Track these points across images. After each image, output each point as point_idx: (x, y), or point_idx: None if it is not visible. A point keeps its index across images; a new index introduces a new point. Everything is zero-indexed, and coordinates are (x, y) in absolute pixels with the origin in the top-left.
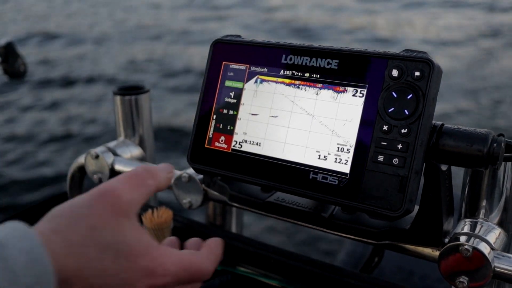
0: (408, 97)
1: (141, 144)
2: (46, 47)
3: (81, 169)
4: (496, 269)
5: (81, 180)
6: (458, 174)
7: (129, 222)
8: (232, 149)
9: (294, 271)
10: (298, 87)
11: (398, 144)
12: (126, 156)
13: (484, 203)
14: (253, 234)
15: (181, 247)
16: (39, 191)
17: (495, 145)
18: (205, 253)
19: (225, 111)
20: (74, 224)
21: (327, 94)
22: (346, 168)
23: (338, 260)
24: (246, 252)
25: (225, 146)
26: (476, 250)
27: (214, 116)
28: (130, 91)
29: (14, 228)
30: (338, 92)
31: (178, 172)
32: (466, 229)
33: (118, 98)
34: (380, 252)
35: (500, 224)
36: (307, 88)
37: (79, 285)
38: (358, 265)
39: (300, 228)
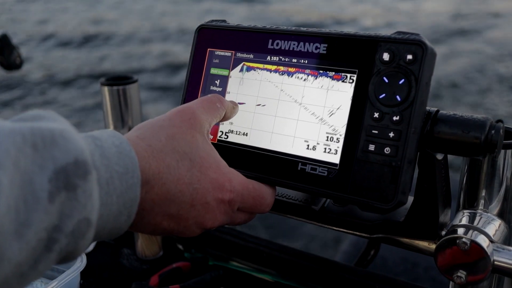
0: (400, 82)
1: None
2: None
3: None
4: (495, 262)
5: None
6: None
7: (202, 137)
8: (218, 140)
9: (287, 266)
10: (285, 74)
11: (390, 132)
12: None
13: (483, 193)
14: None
15: None
16: None
17: (493, 132)
18: (267, 187)
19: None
20: (156, 132)
21: (315, 80)
22: (335, 159)
23: (341, 250)
24: (238, 246)
25: (210, 136)
26: (474, 243)
27: None
28: (118, 81)
29: (104, 130)
30: (327, 78)
31: None
32: (464, 220)
33: (105, 88)
34: (376, 245)
35: (500, 215)
36: (294, 74)
37: (157, 189)
38: (357, 256)
39: None
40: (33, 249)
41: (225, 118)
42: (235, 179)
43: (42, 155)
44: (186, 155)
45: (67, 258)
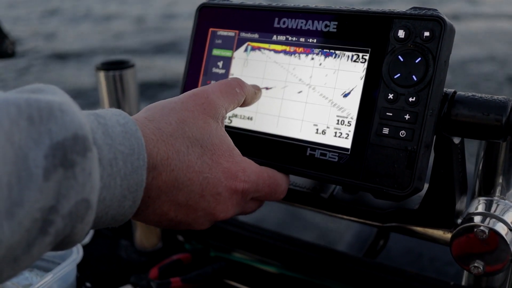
0: (417, 61)
1: None
2: None
3: None
4: None
5: None
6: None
7: (216, 123)
8: None
9: (293, 257)
10: (293, 54)
11: (406, 115)
12: None
13: (500, 179)
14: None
15: None
16: None
17: None
18: (280, 173)
19: (213, 82)
20: (166, 115)
21: (325, 60)
22: (347, 143)
23: (344, 240)
24: (241, 236)
25: None
26: (492, 232)
27: None
28: (114, 65)
29: (110, 109)
30: (338, 58)
31: None
32: (481, 208)
33: (101, 73)
34: (386, 234)
35: None
36: (302, 54)
37: (165, 175)
38: (365, 246)
39: None
40: (27, 231)
41: (245, 104)
42: (249, 168)
43: (38, 129)
44: (197, 142)
45: (64, 244)
